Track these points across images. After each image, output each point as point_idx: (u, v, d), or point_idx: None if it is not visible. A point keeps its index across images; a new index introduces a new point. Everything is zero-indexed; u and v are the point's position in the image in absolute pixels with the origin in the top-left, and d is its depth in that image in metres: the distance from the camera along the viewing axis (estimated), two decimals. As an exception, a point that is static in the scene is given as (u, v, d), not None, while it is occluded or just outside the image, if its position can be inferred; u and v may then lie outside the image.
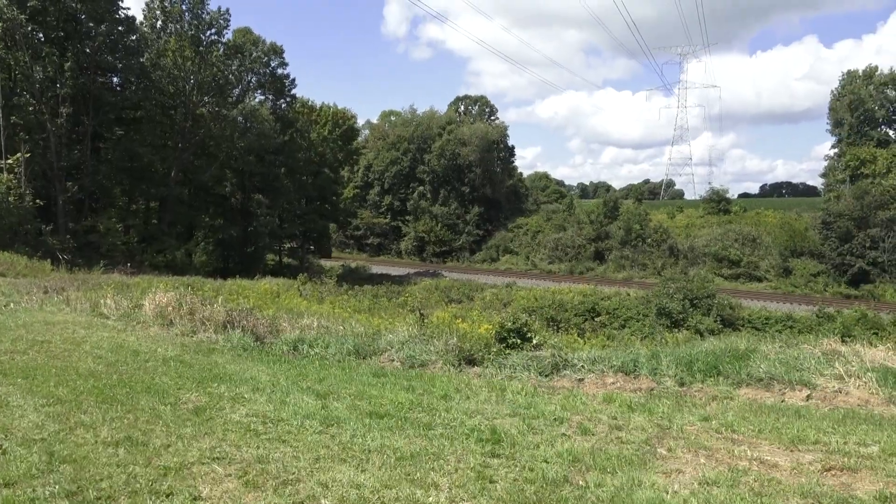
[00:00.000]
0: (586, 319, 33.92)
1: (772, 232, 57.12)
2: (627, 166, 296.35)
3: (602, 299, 36.47)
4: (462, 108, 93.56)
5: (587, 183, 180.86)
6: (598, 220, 64.45)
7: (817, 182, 76.53)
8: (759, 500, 4.14)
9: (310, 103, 55.07)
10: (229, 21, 43.57)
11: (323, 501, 4.15)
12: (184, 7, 41.99)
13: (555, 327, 28.74)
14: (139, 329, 11.79)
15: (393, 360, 9.43)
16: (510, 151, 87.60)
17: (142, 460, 4.80)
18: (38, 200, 31.68)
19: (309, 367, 8.77)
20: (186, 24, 42.27)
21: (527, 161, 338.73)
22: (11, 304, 13.75)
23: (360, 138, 76.24)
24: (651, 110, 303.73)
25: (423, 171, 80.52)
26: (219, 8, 42.99)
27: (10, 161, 31.17)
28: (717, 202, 72.19)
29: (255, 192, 47.52)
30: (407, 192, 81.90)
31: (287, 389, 7.18)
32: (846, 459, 4.97)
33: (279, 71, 48.47)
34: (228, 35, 44.96)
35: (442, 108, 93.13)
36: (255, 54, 47.04)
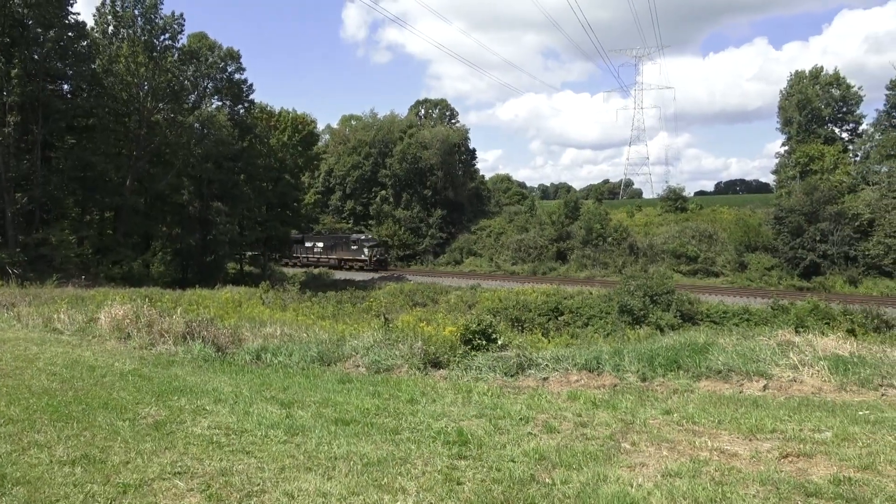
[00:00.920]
0: (550, 319, 34.22)
1: (727, 228, 58.57)
2: (587, 167, 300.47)
3: (565, 298, 36.86)
4: (423, 111, 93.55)
5: (548, 184, 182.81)
6: (560, 221, 65.16)
7: (769, 179, 78.97)
8: (719, 489, 4.23)
9: (268, 109, 54.40)
10: (184, 26, 42.82)
11: (289, 511, 4.09)
12: (136, 12, 41.03)
13: (519, 327, 28.96)
14: (95, 343, 11.46)
15: (358, 366, 9.37)
16: (472, 154, 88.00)
17: (100, 478, 4.67)
18: (-16, 213, 30.56)
19: (272, 376, 8.65)
20: (139, 30, 41.30)
21: (488, 163, 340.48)
22: (-42, 322, 13.23)
23: (320, 143, 75.57)
24: (609, 112, 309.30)
25: (385, 175, 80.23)
26: (172, 12, 42.20)
27: (-47, 173, 30.02)
28: (675, 200, 73.72)
29: (213, 199, 46.67)
30: (369, 196, 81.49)
31: (250, 399, 7.07)
32: (802, 446, 5.13)
33: (236, 76, 47.78)
34: (183, 40, 44.17)
35: (403, 111, 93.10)
36: (211, 59, 46.21)
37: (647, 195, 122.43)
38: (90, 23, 40.58)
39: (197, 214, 46.37)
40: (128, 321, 12.02)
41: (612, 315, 32.81)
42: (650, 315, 31.04)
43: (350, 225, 79.68)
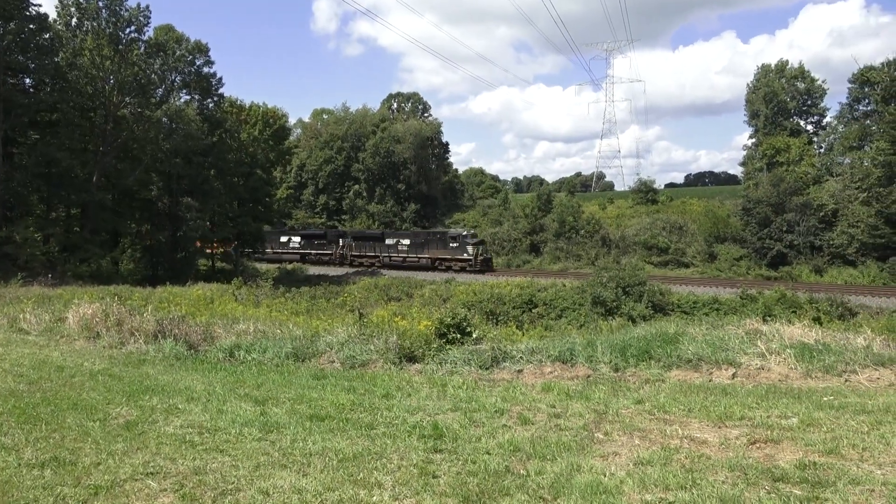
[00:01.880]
0: (524, 311, 34.43)
1: (697, 220, 59.55)
2: (560, 160, 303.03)
3: (539, 291, 37.10)
4: (395, 105, 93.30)
5: (521, 177, 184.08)
6: (533, 214, 65.60)
7: (737, 171, 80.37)
8: (689, 476, 4.32)
9: (238, 103, 53.68)
10: (150, 18, 41.89)
11: (264, 509, 4.08)
12: (100, 3, 40.03)
13: (494, 321, 29.13)
14: (63, 343, 11.24)
15: (333, 362, 9.34)
16: (445, 148, 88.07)
17: (70, 480, 4.60)
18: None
19: (246, 373, 8.58)
20: (104, 22, 40.32)
21: (462, 157, 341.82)
22: (-81, 323, 12.86)
23: (292, 137, 74.90)
24: (581, 105, 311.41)
25: (358, 169, 79.86)
26: (138, 4, 41.21)
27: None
28: (646, 193, 74.73)
29: (183, 195, 45.91)
30: (342, 190, 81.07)
31: (224, 397, 7.01)
32: (769, 432, 5.25)
33: (205, 70, 46.91)
34: (149, 33, 43.18)
35: (375, 105, 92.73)
36: (178, 53, 45.33)
37: (618, 188, 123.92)
38: (52, 15, 39.58)
39: (166, 210, 45.60)
40: (97, 320, 11.81)
41: (586, 307, 33.14)
42: (622, 306, 31.42)
43: (324, 220, 79.08)
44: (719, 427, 5.52)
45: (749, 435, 5.22)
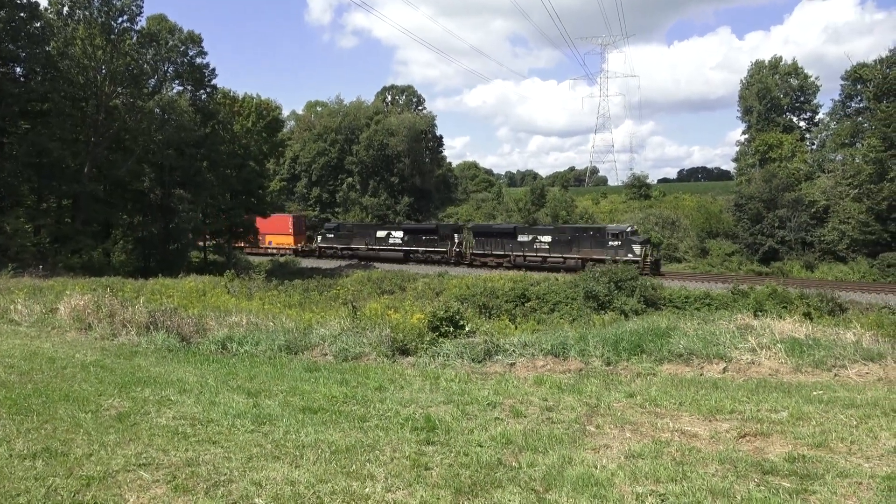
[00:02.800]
0: (517, 305, 34.49)
1: (689, 215, 59.76)
2: (554, 154, 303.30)
3: (532, 285, 37.17)
4: (389, 98, 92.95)
5: (515, 171, 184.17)
6: (527, 208, 65.71)
7: (730, 166, 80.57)
8: (680, 469, 4.36)
9: (232, 94, 53.30)
10: (142, 8, 41.59)
11: (256, 500, 4.09)
12: (92, -8, 39.72)
13: (487, 314, 29.16)
14: (55, 335, 11.20)
15: (326, 354, 9.35)
16: (439, 141, 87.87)
17: (62, 472, 4.59)
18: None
19: (239, 365, 8.58)
20: (96, 11, 39.95)
21: (456, 150, 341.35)
22: None
23: (285, 129, 74.53)
24: (575, 99, 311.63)
25: (352, 161, 79.62)
26: (130, -6, 40.91)
27: None
28: (639, 188, 74.95)
29: (175, 186, 45.62)
30: (335, 183, 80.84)
31: (216, 389, 7.01)
32: (759, 426, 5.31)
33: (198, 60, 46.53)
34: (142, 23, 42.81)
35: (369, 98, 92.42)
36: (171, 43, 44.95)
37: (612, 182, 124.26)
38: (44, 3, 39.20)
39: (158, 202, 45.31)
40: (88, 311, 11.78)
41: (578, 301, 33.24)
42: (615, 300, 31.53)
43: (317, 213, 78.85)
44: (710, 420, 5.57)
45: (739, 428, 5.27)
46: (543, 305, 34.38)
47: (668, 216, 59.83)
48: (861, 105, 53.18)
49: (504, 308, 33.26)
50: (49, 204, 40.58)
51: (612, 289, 32.40)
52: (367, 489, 4.21)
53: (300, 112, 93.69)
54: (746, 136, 65.97)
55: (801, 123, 64.23)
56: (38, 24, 36.65)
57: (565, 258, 45.79)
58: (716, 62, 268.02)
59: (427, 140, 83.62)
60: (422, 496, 4.09)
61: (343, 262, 54.62)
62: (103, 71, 39.75)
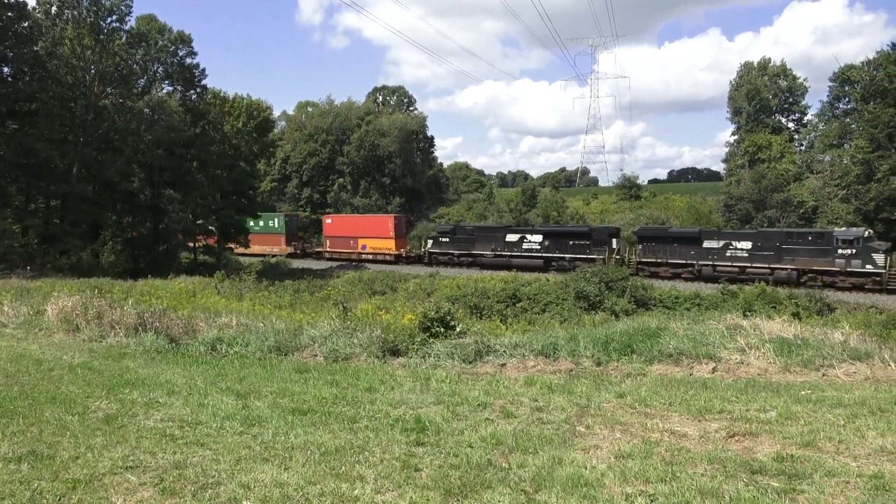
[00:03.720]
0: (508, 306, 34.52)
1: (680, 215, 60.10)
2: (545, 155, 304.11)
3: (523, 285, 37.20)
4: (380, 98, 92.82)
5: (506, 172, 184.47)
6: (518, 209, 65.80)
7: (720, 167, 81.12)
8: (670, 469, 4.37)
9: (222, 94, 53.08)
10: (131, 7, 41.30)
11: (245, 503, 4.06)
12: (80, -8, 39.43)
13: (478, 314, 29.15)
14: (42, 336, 11.11)
15: (316, 355, 9.32)
16: (430, 142, 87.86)
17: (48, 475, 4.54)
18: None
19: (228, 366, 8.54)
20: (84, 11, 39.66)
21: (447, 151, 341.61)
22: None
23: (276, 130, 74.25)
24: (566, 100, 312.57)
25: (343, 162, 79.44)
26: (119, -7, 40.63)
27: None
28: (629, 188, 75.29)
29: (165, 187, 45.35)
30: (326, 184, 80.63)
31: (205, 391, 6.96)
32: (748, 425, 5.33)
33: (188, 60, 46.28)
34: (131, 22, 42.53)
35: (360, 98, 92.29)
36: (161, 43, 44.70)
37: (602, 183, 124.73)
38: (32, 3, 38.88)
39: (148, 202, 45.03)
40: (76, 313, 11.69)
41: (569, 301, 33.31)
42: (605, 301, 31.62)
43: (308, 213, 78.65)
44: (699, 420, 5.58)
45: (728, 428, 5.29)
46: (534, 306, 34.43)
47: (659, 216, 60.08)
48: (849, 106, 53.60)
49: (495, 308, 33.29)
50: (37, 204, 40.26)
51: (603, 289, 32.51)
52: (356, 491, 4.19)
53: (291, 112, 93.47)
54: (736, 137, 66.39)
55: (790, 125, 64.76)
56: (26, 24, 36.35)
57: (773, 269, 37.32)
58: (706, 63, 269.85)
59: (418, 141, 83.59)
60: (411, 497, 4.08)
61: (334, 263, 54.24)
62: (92, 71, 39.47)
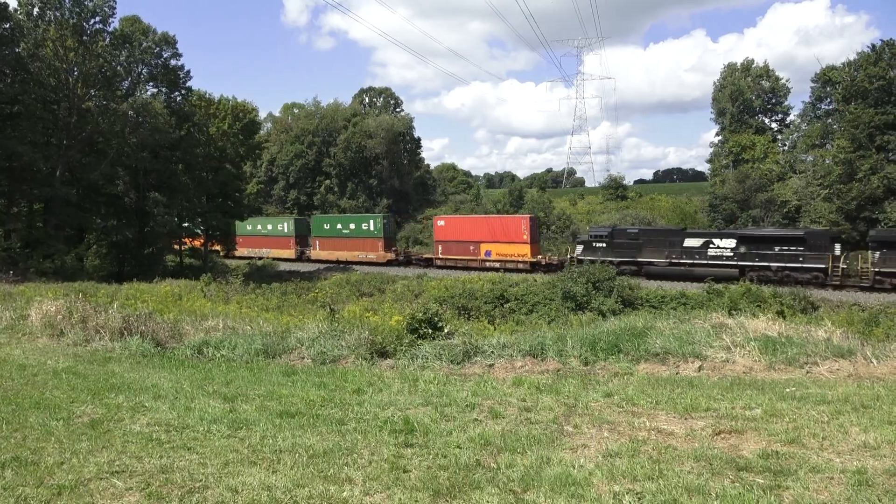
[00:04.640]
0: (496, 306, 34.55)
1: (665, 215, 60.52)
2: (532, 156, 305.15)
3: (510, 286, 37.28)
4: (367, 100, 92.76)
5: (493, 173, 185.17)
6: (505, 210, 65.88)
7: (704, 167, 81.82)
8: (657, 467, 4.40)
9: (207, 96, 52.78)
10: (115, 9, 40.93)
11: (233, 506, 4.04)
12: (63, -7, 39.05)
13: (466, 315, 29.18)
14: (25, 341, 10.97)
15: (304, 358, 9.29)
16: (417, 143, 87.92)
17: (32, 481, 4.49)
18: None
19: (215, 370, 8.49)
20: (67, 12, 39.30)
21: (434, 152, 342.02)
22: None
23: (262, 132, 73.93)
24: (553, 101, 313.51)
25: (329, 164, 79.29)
26: (102, -6, 40.28)
27: None
28: (615, 189, 75.78)
29: (150, 190, 45.05)
30: (313, 186, 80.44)
31: (192, 395, 6.92)
32: (734, 423, 5.38)
33: (172, 62, 45.99)
34: (115, 24, 42.18)
35: (346, 100, 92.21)
36: (145, 44, 44.38)
37: (589, 184, 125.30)
38: (13, 4, 38.44)
39: (133, 205, 44.67)
40: (60, 317, 11.56)
41: (556, 301, 33.40)
42: (592, 301, 31.73)
43: (295, 215, 78.34)
44: (685, 419, 5.63)
45: (714, 426, 5.33)
46: (522, 306, 34.49)
47: (645, 216, 60.48)
48: (830, 107, 54.24)
49: (483, 309, 33.30)
50: (20, 208, 39.81)
51: (590, 289, 32.62)
52: (344, 493, 4.19)
53: (277, 114, 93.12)
54: (720, 137, 66.97)
55: (773, 125, 65.45)
56: (8, 26, 35.93)
57: None
58: (691, 64, 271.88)
59: (405, 142, 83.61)
60: (400, 499, 4.08)
61: (321, 266, 53.98)
62: (75, 73, 39.11)
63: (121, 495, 4.26)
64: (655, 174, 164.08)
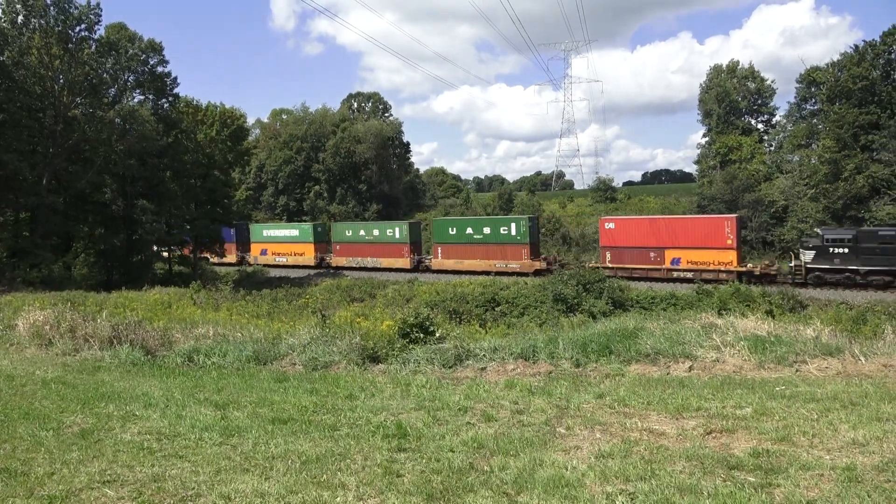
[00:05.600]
0: (487, 310, 34.58)
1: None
2: (521, 159, 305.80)
3: (501, 289, 37.32)
4: (355, 105, 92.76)
5: (483, 176, 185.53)
6: (495, 213, 66.02)
7: (692, 169, 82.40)
8: (649, 467, 4.42)
9: (195, 103, 52.59)
10: (101, 16, 40.64)
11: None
12: (48, 1, 38.75)
13: (457, 319, 29.22)
14: (13, 352, 10.88)
15: (295, 364, 9.26)
16: (406, 148, 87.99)
17: (23, 492, 4.46)
18: None
19: (206, 377, 8.44)
20: (52, 20, 39.01)
21: (424, 157, 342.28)
22: None
23: (250, 138, 73.70)
24: (541, 104, 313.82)
25: (319, 169, 79.16)
26: (88, 2, 39.93)
27: None
28: (604, 191, 76.09)
29: (138, 197, 44.76)
30: (302, 191, 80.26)
31: (183, 403, 6.88)
32: (725, 422, 5.41)
33: (159, 69, 45.74)
34: (101, 31, 41.89)
35: (335, 105, 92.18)
36: (131, 52, 44.10)
37: (578, 186, 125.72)
38: (-3, 12, 38.10)
39: (121, 213, 44.37)
40: (49, 327, 11.47)
41: (547, 304, 33.46)
42: (583, 303, 31.83)
43: (284, 221, 78.13)
44: (677, 419, 5.66)
45: (705, 425, 5.37)
46: (513, 309, 34.53)
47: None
48: (815, 107, 54.76)
49: (474, 313, 33.32)
50: (6, 217, 39.41)
51: (581, 291, 32.72)
52: (338, 498, 4.18)
53: (265, 120, 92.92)
54: (707, 138, 67.39)
55: (759, 126, 65.93)
56: (-9, 33, 35.67)
57: None
58: (677, 66, 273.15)
59: (394, 147, 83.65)
60: (394, 503, 4.08)
61: (311, 272, 53.71)
62: (61, 80, 38.83)
63: (112, 505, 4.23)
64: (644, 176, 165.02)
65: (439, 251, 48.61)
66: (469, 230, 47.06)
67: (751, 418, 5.50)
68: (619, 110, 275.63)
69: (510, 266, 44.84)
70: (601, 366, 8.03)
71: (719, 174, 58.64)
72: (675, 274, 39.84)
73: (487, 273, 44.35)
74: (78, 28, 39.94)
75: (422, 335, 9.62)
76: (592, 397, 6.48)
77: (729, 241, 38.77)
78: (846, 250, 35.59)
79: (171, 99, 47.59)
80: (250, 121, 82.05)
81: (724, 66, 66.47)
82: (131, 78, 45.21)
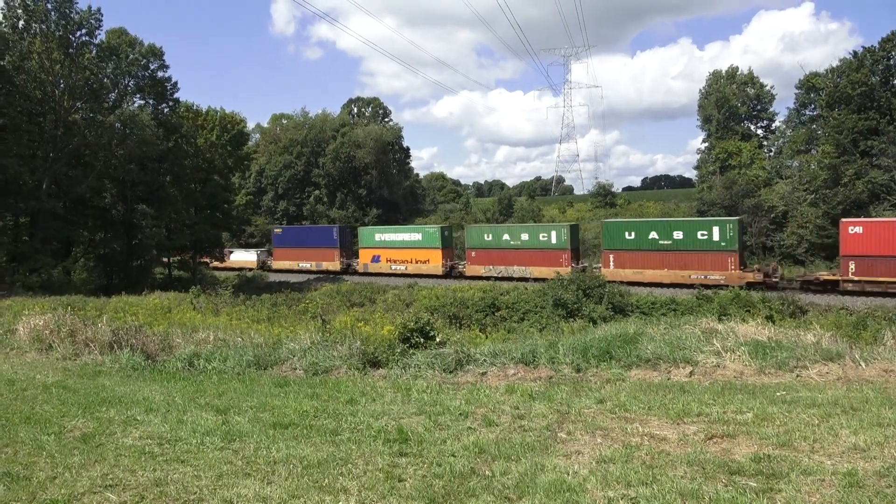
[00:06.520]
0: (487, 315, 34.59)
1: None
2: (521, 164, 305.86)
3: (501, 294, 37.32)
4: (356, 110, 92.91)
5: (482, 181, 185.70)
6: (495, 218, 66.14)
7: (692, 174, 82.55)
8: (650, 472, 4.43)
9: (195, 108, 52.71)
10: (101, 21, 40.80)
11: (228, 518, 4.03)
12: (49, 6, 38.85)
13: (457, 324, 29.20)
14: (13, 356, 10.88)
15: (296, 369, 9.26)
16: (406, 152, 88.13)
17: (24, 496, 4.46)
18: None
19: (206, 382, 8.44)
20: (53, 25, 39.15)
21: (423, 161, 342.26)
22: None
23: (250, 143, 73.80)
24: (541, 109, 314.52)
25: (318, 174, 79.24)
26: (89, 7, 40.11)
27: None
28: (604, 196, 76.28)
29: (138, 202, 44.85)
30: (302, 196, 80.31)
31: (184, 407, 6.89)
32: (725, 427, 5.42)
33: (159, 74, 45.87)
34: (101, 36, 42.03)
35: (335, 110, 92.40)
36: (131, 56, 44.23)
37: (578, 191, 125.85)
38: (-3, 17, 38.21)
39: (121, 218, 44.43)
40: (49, 331, 11.47)
41: (547, 309, 33.46)
42: (583, 308, 31.83)
43: (284, 226, 78.13)
44: (678, 424, 5.66)
45: (706, 430, 5.37)
46: (513, 314, 34.54)
47: (634, 224, 60.78)
48: (815, 113, 54.86)
49: (474, 318, 33.33)
50: (6, 222, 39.46)
51: (581, 296, 32.72)
52: (340, 503, 4.18)
53: (265, 125, 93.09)
54: (706, 144, 67.48)
55: (759, 131, 66.04)
56: (-8, 39, 35.76)
57: None
58: (677, 72, 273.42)
59: (394, 152, 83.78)
60: (396, 508, 4.08)
61: (311, 276, 53.78)
62: (61, 85, 38.93)
63: (114, 509, 4.23)
64: (643, 181, 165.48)
65: (611, 259, 40.99)
66: (653, 234, 39.98)
67: (752, 423, 5.50)
68: (618, 115, 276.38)
69: (710, 277, 38.17)
70: (602, 371, 8.03)
71: (719, 179, 58.71)
72: (868, 287, 33.09)
73: (680, 286, 38.19)
74: (79, 33, 40.08)
75: (422, 340, 9.62)
76: (593, 402, 6.49)
77: None
78: None
79: (171, 104, 47.70)
80: (250, 126, 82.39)
81: (723, 71, 66.63)
82: (132, 83, 45.31)
